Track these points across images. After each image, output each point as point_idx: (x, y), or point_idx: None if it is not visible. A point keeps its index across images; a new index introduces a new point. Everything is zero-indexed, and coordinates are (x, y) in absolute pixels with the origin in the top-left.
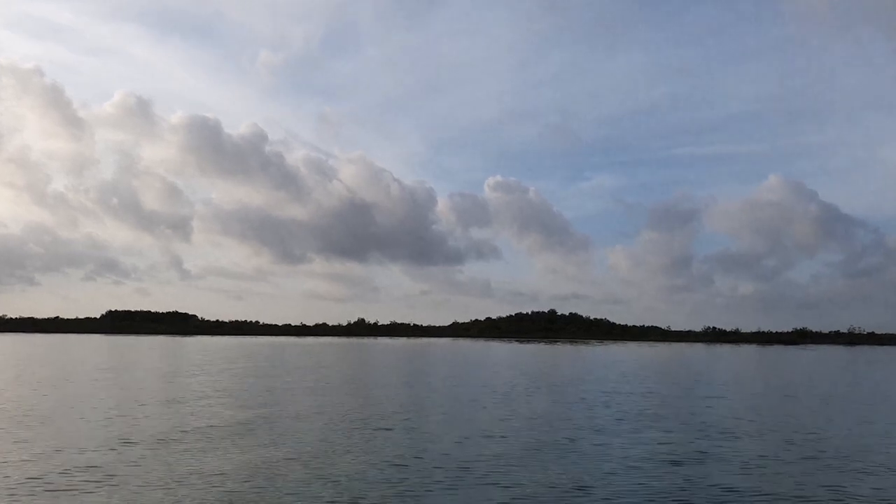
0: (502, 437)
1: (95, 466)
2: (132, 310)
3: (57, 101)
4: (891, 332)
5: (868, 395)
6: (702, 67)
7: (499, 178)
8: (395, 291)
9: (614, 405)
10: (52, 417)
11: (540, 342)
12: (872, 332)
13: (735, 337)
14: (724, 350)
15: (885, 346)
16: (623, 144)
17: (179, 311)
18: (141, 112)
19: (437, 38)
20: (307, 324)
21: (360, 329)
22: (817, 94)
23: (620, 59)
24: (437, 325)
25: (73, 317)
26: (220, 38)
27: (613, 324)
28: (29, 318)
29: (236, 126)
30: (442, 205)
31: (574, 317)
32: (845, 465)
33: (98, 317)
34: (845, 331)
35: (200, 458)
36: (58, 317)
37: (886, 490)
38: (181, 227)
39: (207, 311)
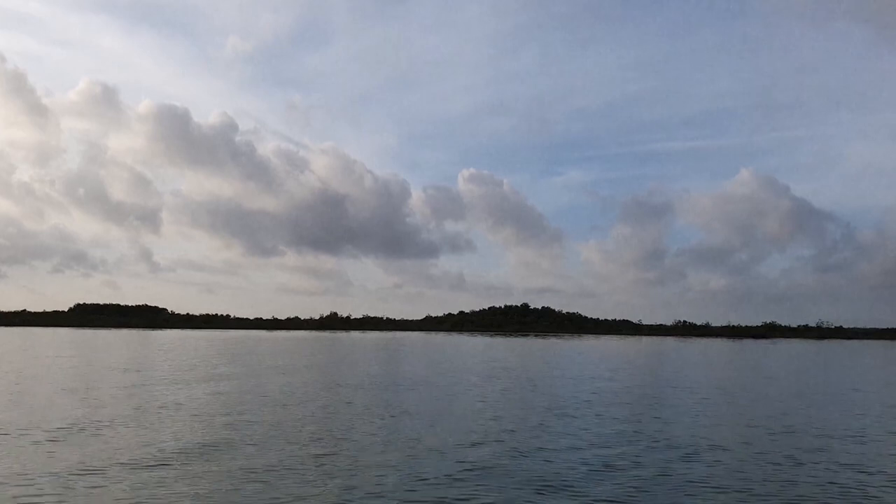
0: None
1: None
2: (101, 303)
3: (20, 89)
4: (858, 326)
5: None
6: (675, 62)
7: (472, 170)
8: (368, 284)
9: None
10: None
11: (512, 336)
12: (840, 327)
13: (705, 331)
14: (698, 345)
15: (852, 341)
16: (596, 139)
17: (149, 304)
18: (107, 101)
19: (410, 31)
20: (279, 317)
21: (333, 323)
22: (790, 89)
23: (594, 54)
24: (411, 318)
25: (41, 310)
26: (189, 27)
27: (586, 318)
28: None
29: (206, 116)
30: (416, 197)
31: (547, 311)
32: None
33: (66, 310)
34: (814, 325)
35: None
36: (25, 310)
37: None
38: (150, 219)
39: (178, 304)
